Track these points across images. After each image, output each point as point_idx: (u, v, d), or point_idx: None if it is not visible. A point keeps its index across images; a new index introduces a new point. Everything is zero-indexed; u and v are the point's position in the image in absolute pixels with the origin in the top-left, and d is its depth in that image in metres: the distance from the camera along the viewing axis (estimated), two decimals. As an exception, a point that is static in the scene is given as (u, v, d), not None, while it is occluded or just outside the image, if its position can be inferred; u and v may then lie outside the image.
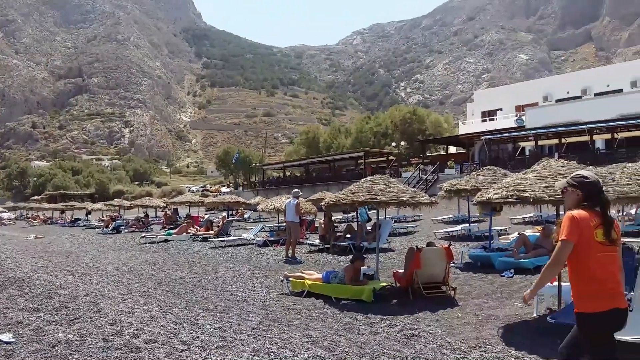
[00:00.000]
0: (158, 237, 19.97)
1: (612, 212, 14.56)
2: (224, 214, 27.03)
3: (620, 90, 39.44)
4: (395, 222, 20.63)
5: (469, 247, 12.21)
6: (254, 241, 17.18)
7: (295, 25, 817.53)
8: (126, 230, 25.63)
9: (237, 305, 8.14)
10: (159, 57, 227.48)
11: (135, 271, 12.05)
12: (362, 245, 13.67)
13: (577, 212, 3.34)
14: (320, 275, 9.05)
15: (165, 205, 32.78)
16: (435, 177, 36.47)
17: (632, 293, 6.27)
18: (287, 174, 60.37)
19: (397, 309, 7.60)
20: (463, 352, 5.54)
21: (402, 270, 8.80)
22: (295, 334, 6.36)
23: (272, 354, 5.60)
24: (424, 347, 5.76)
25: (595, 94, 41.52)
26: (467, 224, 16.71)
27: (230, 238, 17.93)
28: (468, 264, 10.96)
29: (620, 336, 5.20)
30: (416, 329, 6.52)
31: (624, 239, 12.17)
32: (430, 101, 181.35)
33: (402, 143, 53.86)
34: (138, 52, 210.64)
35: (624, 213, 15.47)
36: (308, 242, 15.59)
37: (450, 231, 16.48)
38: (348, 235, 14.85)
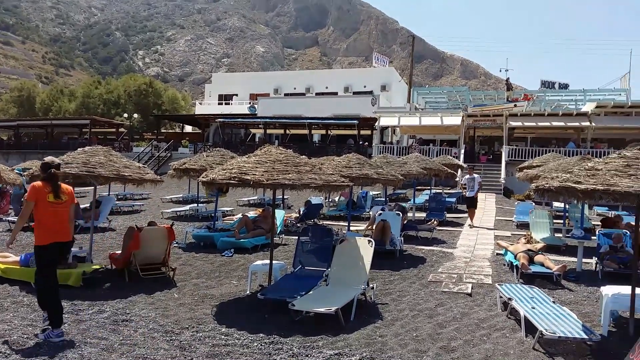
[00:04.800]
0: None
1: (320, 197, 16.67)
2: None
3: (336, 94, 45.55)
4: (119, 199, 19.33)
5: (194, 227, 12.24)
6: None
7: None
8: None
9: None
10: None
11: None
12: (76, 223, 12.30)
13: (37, 183, 5.31)
14: (17, 258, 7.75)
15: None
16: (169, 154, 35.64)
17: (329, 270, 7.25)
18: (-11, 135, 50.26)
19: (109, 293, 7.05)
20: (175, 334, 5.47)
21: (121, 252, 8.24)
22: (-27, 330, 5.27)
23: None
24: (133, 333, 5.47)
25: (317, 94, 46.94)
26: (196, 204, 16.78)
27: None
28: (191, 244, 10.98)
29: (314, 308, 5.94)
30: (128, 313, 6.16)
31: (327, 222, 14.03)
32: (169, 76, 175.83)
33: (135, 115, 50.83)
34: None
35: (330, 199, 17.84)
36: (8, 218, 13.25)
37: (179, 211, 16.28)
38: (61, 212, 13.15)
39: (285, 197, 17.34)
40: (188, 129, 49.97)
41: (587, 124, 25.79)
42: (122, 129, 46.11)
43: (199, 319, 6.05)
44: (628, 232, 9.16)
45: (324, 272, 7.29)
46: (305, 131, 34.93)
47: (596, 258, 8.66)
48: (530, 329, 5.48)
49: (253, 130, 40.28)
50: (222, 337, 5.44)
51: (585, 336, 5.07)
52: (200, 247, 10.71)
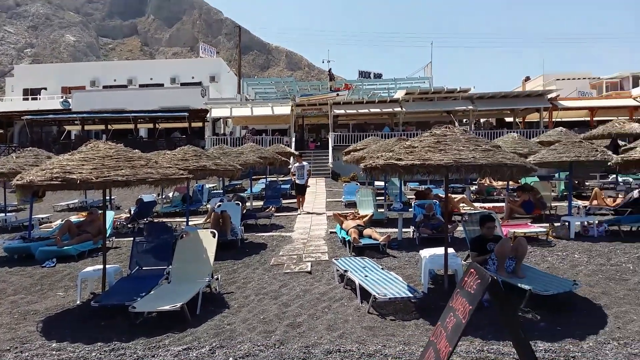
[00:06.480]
0: None
1: (152, 195, 15.89)
2: None
3: (162, 85, 43.44)
4: None
5: (4, 239, 10.73)
6: None
7: None
8: None
9: None
10: None
11: None
12: None
13: None
14: None
15: None
16: (-39, 159, 30.45)
17: (170, 267, 7.00)
18: None
19: None
20: (-7, 360, 4.80)
21: None
22: None
23: None
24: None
25: (140, 85, 44.23)
26: (3, 214, 14.65)
27: None
28: (3, 259, 9.62)
29: (157, 308, 5.72)
30: None
31: (162, 220, 13.46)
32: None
33: None
34: None
35: (163, 196, 17.08)
36: None
37: (-19, 222, 14.03)
38: None
39: (112, 197, 16.14)
40: (-14, 129, 43.07)
41: (399, 109, 28.76)
42: None
43: (23, 337, 5.39)
44: (437, 202, 10.52)
45: (164, 270, 7.03)
46: (131, 126, 32.78)
47: (413, 227, 9.79)
48: (365, 295, 6.02)
49: (68, 127, 36.46)
50: (54, 352, 4.93)
51: (410, 295, 5.75)
52: (14, 260, 9.46)
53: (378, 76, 42.44)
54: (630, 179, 17.40)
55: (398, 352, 4.61)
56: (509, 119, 33.40)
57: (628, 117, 27.12)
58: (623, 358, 4.36)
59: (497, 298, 3.64)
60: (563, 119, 30.66)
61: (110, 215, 11.12)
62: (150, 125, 35.38)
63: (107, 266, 6.89)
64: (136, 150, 6.88)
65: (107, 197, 15.58)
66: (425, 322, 5.37)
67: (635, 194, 11.82)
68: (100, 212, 10.07)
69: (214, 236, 7.17)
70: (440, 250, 6.66)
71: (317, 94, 36.01)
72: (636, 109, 29.71)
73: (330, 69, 42.86)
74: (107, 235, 10.17)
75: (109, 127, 34.39)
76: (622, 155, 9.16)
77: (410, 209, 10.70)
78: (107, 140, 7.48)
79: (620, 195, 12.97)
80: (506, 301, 3.72)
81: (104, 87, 44.71)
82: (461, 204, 12.86)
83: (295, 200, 15.32)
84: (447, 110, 29.92)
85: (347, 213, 10.64)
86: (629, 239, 8.94)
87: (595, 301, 5.87)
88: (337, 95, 33.76)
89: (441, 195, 12.42)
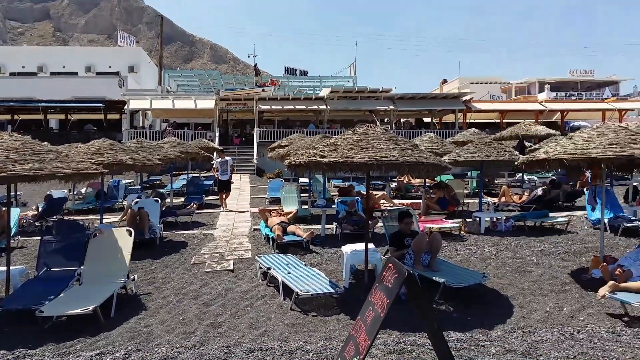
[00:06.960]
0: None
1: (64, 191, 14.94)
2: None
3: (76, 74, 40.93)
4: None
5: None
6: None
7: None
8: None
9: None
10: None
11: None
12: None
13: None
14: None
15: None
16: None
17: (82, 268, 6.62)
18: None
19: None
20: None
21: None
22: None
23: None
24: None
25: (52, 73, 41.42)
26: None
27: None
28: None
29: (67, 311, 5.40)
30: None
31: (74, 217, 12.69)
32: None
33: None
34: None
35: (75, 192, 16.07)
36: None
37: None
38: None
39: (17, 192, 14.99)
40: None
41: (324, 107, 29.08)
42: None
43: None
44: (359, 199, 10.77)
45: (75, 271, 6.65)
46: (40, 116, 30.59)
47: (336, 223, 9.95)
48: (288, 292, 6.04)
49: (-32, 117, 33.41)
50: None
51: (332, 290, 5.85)
52: None
53: (304, 73, 42.64)
54: (535, 178, 18.78)
55: (319, 348, 4.68)
56: (427, 120, 34.84)
57: (534, 120, 29.27)
58: (527, 345, 4.70)
59: (413, 291, 3.78)
60: (476, 120, 32.46)
61: (15, 212, 10.32)
62: (62, 116, 33.20)
63: (11, 267, 6.41)
64: (45, 142, 6.45)
65: (12, 193, 14.47)
66: (346, 317, 5.48)
67: (539, 191, 12.81)
68: (4, 209, 9.32)
69: (130, 235, 6.88)
70: (361, 246, 6.82)
71: (243, 89, 35.47)
72: (541, 112, 32.10)
73: (256, 64, 42.40)
74: (12, 234, 9.45)
75: (16, 117, 31.88)
76: (528, 156, 9.82)
77: (333, 206, 10.86)
78: (12, 131, 6.95)
79: (525, 193, 13.99)
80: (422, 294, 3.89)
81: (11, 73, 41.53)
82: (382, 201, 13.25)
83: (218, 197, 15.03)
84: (370, 110, 30.67)
85: (272, 210, 10.61)
86: (532, 234, 9.65)
87: (503, 292, 6.29)
88: (263, 90, 33.46)
89: (363, 192, 12.73)
